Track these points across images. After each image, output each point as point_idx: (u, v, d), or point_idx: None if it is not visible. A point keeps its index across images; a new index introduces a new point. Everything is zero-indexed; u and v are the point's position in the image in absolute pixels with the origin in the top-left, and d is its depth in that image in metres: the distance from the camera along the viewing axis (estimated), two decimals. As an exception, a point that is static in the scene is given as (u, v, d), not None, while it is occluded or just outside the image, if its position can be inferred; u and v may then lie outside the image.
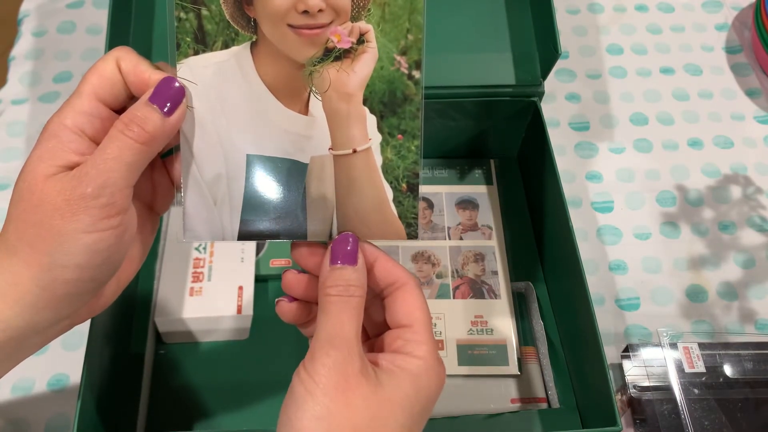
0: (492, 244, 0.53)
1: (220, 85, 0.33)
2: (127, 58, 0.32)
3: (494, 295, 0.51)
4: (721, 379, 0.48)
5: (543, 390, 0.48)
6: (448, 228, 0.54)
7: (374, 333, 0.36)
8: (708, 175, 0.61)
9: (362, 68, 0.34)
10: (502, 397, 0.47)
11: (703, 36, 0.70)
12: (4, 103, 0.62)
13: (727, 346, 0.50)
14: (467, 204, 0.55)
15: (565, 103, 0.64)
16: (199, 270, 0.49)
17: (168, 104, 0.31)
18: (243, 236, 0.35)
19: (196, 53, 0.33)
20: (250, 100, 0.34)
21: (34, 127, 0.60)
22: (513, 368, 0.48)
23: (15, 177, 0.31)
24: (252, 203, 0.34)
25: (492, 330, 0.49)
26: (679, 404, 0.47)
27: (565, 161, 0.61)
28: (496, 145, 0.59)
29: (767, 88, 0.66)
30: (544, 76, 0.53)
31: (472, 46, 0.54)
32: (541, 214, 0.55)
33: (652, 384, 0.48)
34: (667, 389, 0.48)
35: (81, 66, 0.64)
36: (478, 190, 0.56)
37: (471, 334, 0.49)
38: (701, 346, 0.50)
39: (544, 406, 0.47)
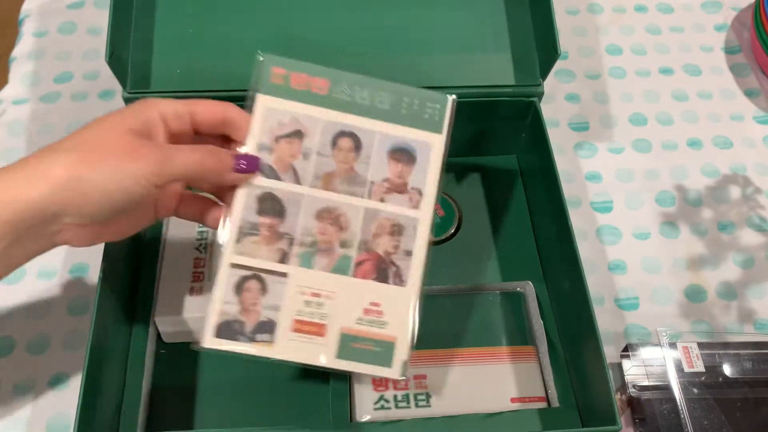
0: (416, 215, 0.43)
1: None
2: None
3: (400, 281, 0.42)
4: (720, 379, 0.49)
5: (542, 389, 0.48)
6: (371, 183, 0.43)
7: None
8: (707, 175, 0.61)
9: None
10: (502, 396, 0.47)
11: (703, 36, 0.70)
12: (5, 104, 0.62)
13: (726, 345, 0.50)
14: (402, 155, 0.43)
15: (565, 104, 0.65)
16: (199, 270, 0.49)
17: (242, 166, 0.40)
18: None
19: None
20: None
21: (35, 127, 0.60)
22: (395, 372, 0.41)
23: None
24: None
25: (385, 323, 0.41)
26: (679, 404, 0.47)
27: (564, 161, 0.61)
28: (496, 145, 0.59)
29: (766, 88, 0.66)
30: (544, 76, 0.53)
31: (472, 46, 0.54)
32: (541, 214, 0.55)
33: (651, 383, 0.48)
34: (667, 389, 0.48)
35: (82, 66, 0.64)
36: (420, 137, 0.43)
37: (360, 323, 0.41)
38: (700, 345, 0.50)
39: (544, 405, 0.47)
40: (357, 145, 0.43)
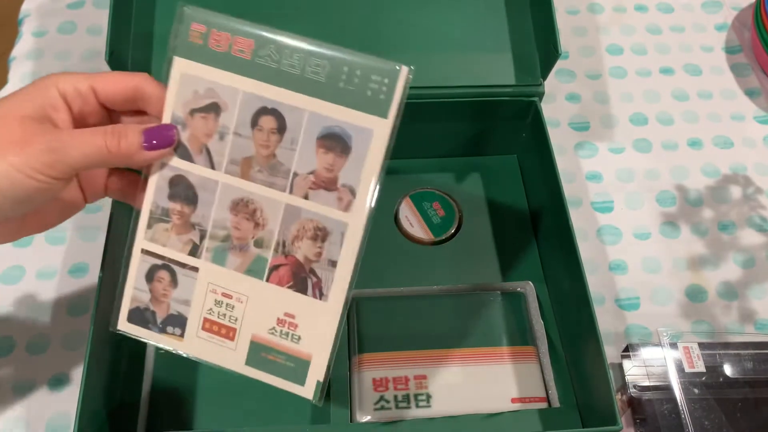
0: (345, 219, 0.36)
1: None
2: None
3: (320, 294, 0.37)
4: (721, 379, 0.49)
5: (543, 389, 0.48)
6: (294, 175, 0.36)
7: None
8: (708, 175, 0.61)
9: None
10: (503, 396, 0.47)
11: (703, 36, 0.70)
12: (5, 104, 0.62)
13: (726, 345, 0.50)
14: (334, 142, 0.35)
15: (565, 104, 0.65)
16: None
17: (153, 142, 0.35)
18: None
19: None
20: None
21: (35, 128, 0.60)
22: (308, 391, 0.37)
23: (16, 176, 0.32)
24: None
25: (299, 338, 0.37)
26: (679, 404, 0.47)
27: (565, 161, 0.61)
28: (496, 145, 0.59)
29: (767, 88, 0.66)
30: (544, 76, 0.53)
31: (472, 46, 0.54)
32: (541, 214, 0.55)
33: (652, 383, 0.48)
34: (667, 389, 0.48)
35: (81, 66, 0.64)
36: (359, 121, 0.35)
37: (272, 334, 0.37)
38: (701, 345, 0.50)
39: (544, 405, 0.47)
40: (281, 125, 0.36)
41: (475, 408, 0.46)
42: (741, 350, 0.50)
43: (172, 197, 0.37)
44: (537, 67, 0.53)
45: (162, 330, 0.38)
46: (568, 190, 0.56)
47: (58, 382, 0.48)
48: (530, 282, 0.52)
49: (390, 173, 0.62)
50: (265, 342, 0.37)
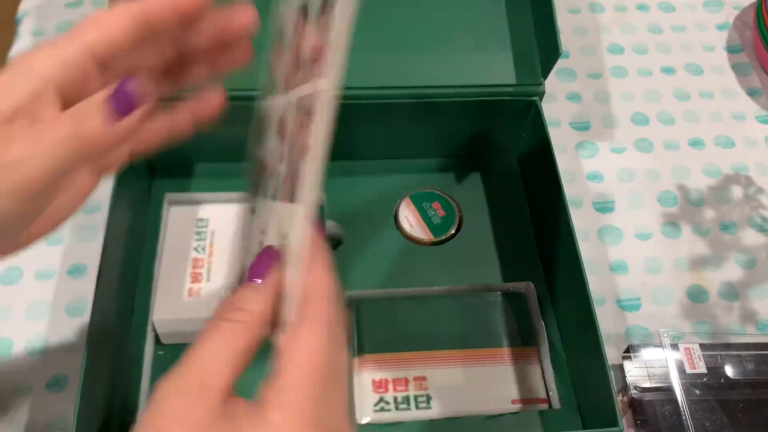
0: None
1: None
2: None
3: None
4: (723, 380, 0.48)
5: (544, 391, 0.47)
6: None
7: None
8: (709, 175, 0.61)
9: None
10: (503, 397, 0.47)
11: (704, 35, 0.70)
12: (3, 103, 0.61)
13: (728, 346, 0.50)
14: None
15: (566, 103, 0.64)
16: (198, 270, 0.49)
17: (119, 109, 0.27)
18: None
19: None
20: None
21: (33, 127, 0.60)
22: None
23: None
24: None
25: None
26: (681, 405, 0.47)
27: (565, 161, 0.60)
28: (497, 145, 0.59)
29: (768, 87, 0.66)
30: (545, 75, 0.53)
31: (472, 46, 0.54)
32: (542, 214, 0.55)
33: (653, 385, 0.48)
34: (669, 390, 0.48)
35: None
36: None
37: None
38: (702, 346, 0.50)
39: (545, 406, 0.47)
40: None
41: (475, 409, 0.46)
42: (742, 351, 0.50)
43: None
44: (537, 66, 0.53)
45: None
46: (569, 190, 0.56)
47: (57, 383, 0.48)
48: (531, 282, 0.52)
49: (390, 173, 0.62)
50: None
